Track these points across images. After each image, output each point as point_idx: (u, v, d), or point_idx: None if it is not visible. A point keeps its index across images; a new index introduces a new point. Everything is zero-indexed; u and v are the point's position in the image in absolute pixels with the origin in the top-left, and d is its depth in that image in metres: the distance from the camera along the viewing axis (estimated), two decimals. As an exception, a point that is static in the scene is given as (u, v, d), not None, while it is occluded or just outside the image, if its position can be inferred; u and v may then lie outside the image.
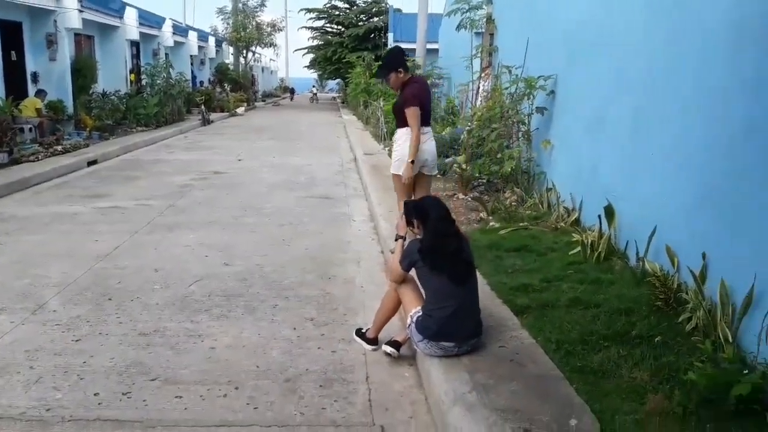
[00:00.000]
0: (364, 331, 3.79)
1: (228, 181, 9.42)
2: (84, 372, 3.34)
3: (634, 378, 3.13)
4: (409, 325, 3.41)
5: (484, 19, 11.87)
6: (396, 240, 3.79)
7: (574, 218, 5.88)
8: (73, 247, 5.71)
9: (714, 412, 2.77)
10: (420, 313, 3.37)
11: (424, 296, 3.48)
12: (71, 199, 7.99)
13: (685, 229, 4.09)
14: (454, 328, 3.26)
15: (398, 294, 3.59)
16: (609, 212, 4.99)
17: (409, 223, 3.70)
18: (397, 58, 5.26)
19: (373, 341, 3.71)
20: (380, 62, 6.09)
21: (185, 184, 9.01)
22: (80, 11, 14.83)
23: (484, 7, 12.00)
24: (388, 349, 3.59)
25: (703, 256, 3.75)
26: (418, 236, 3.55)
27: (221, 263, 5.32)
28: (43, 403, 3.02)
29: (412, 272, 3.53)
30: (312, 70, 42.94)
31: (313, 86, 49.17)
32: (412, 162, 5.04)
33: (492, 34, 11.79)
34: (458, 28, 11.79)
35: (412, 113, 4.96)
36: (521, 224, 6.04)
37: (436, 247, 3.35)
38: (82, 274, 4.93)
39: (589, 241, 4.94)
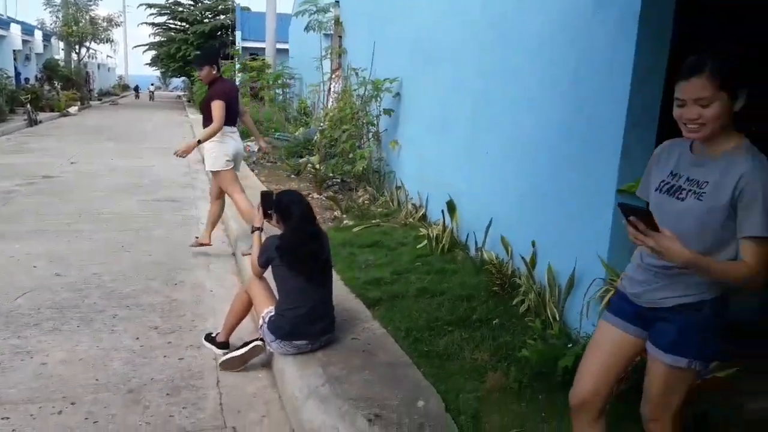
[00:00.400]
0: (214, 335, 3.68)
1: (60, 186, 8.63)
2: None
3: (475, 359, 3.36)
4: (261, 325, 3.36)
5: (332, 22, 12.05)
6: (252, 232, 3.72)
7: (421, 214, 6.16)
8: None
9: (545, 384, 3.05)
10: (272, 313, 3.34)
11: (275, 295, 3.46)
12: None
13: (516, 221, 4.44)
14: (307, 326, 3.28)
15: (249, 295, 3.53)
16: (451, 207, 5.29)
17: (266, 215, 3.63)
18: (215, 54, 5.79)
19: (224, 345, 3.61)
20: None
21: (9, 190, 8.12)
22: None
23: (331, 9, 12.18)
24: (207, 345, 3.59)
25: (533, 243, 4.11)
26: (278, 229, 3.51)
27: (52, 274, 4.88)
28: None
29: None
30: (154, 68, 40.64)
31: (152, 84, 47.05)
32: (199, 142, 5.23)
33: (341, 36, 11.98)
34: (306, 29, 11.86)
35: (217, 105, 5.13)
36: (373, 221, 6.21)
37: (296, 246, 3.32)
38: None
39: (435, 235, 5.21)
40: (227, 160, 5.32)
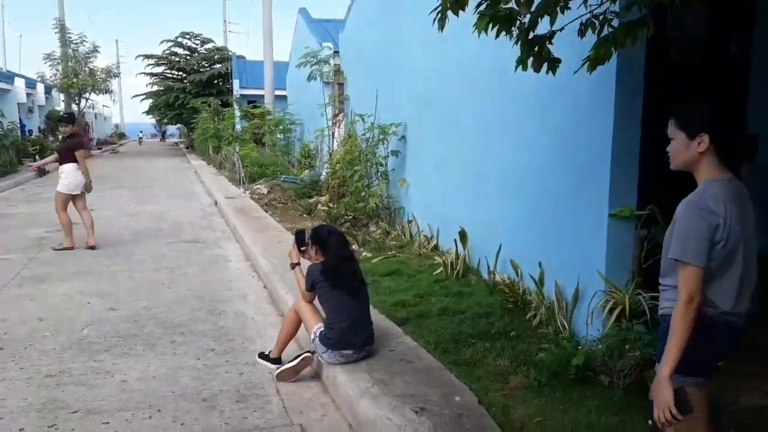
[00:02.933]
0: (267, 353, 4.20)
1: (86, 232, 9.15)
2: (0, 413, 3.40)
3: (498, 365, 3.88)
4: (313, 339, 3.90)
5: (332, 71, 12.84)
6: (292, 268, 4.28)
7: (433, 244, 6.74)
8: (-64, 307, 5.42)
9: (561, 381, 3.57)
10: (322, 328, 3.88)
11: (322, 314, 4.00)
12: None
13: (522, 245, 5.03)
14: (352, 337, 3.82)
15: (298, 315, 4.07)
16: (463, 236, 5.88)
17: (300, 250, 4.21)
18: (72, 119, 8.52)
19: (277, 360, 4.13)
20: None
21: (41, 237, 8.66)
22: None
23: (330, 60, 12.99)
24: (262, 362, 4.13)
25: (540, 264, 4.68)
26: (315, 261, 4.08)
27: (106, 308, 5.39)
28: (-33, 444, 3.08)
29: None
30: (151, 116, 41.59)
31: (141, 131, 56.42)
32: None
33: (341, 84, 12.74)
34: (309, 78, 12.62)
35: (82, 154, 7.99)
36: (389, 253, 6.78)
37: (337, 268, 3.90)
38: (-40, 330, 4.78)
39: (449, 262, 5.78)
40: (75, 187, 7.97)
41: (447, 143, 6.69)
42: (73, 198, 8.08)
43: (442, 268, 5.82)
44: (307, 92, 14.87)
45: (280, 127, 17.67)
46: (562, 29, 3.03)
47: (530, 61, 2.99)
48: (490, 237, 5.50)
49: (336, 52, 13.34)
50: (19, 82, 25.77)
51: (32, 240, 8.42)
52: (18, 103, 25.34)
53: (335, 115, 12.89)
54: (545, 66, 3.08)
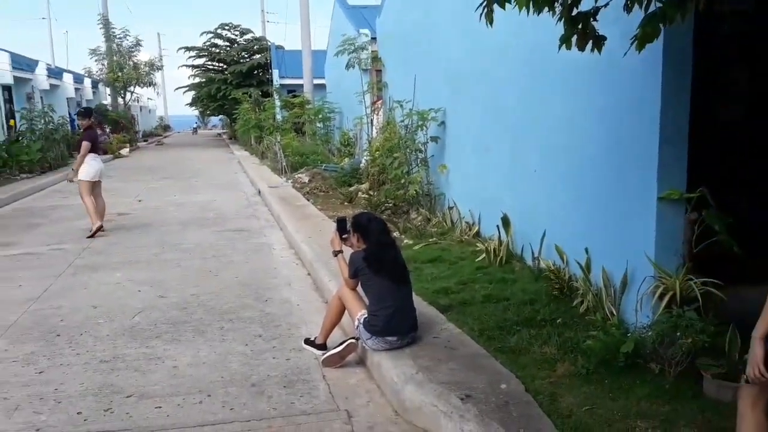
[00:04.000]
0: (312, 339, 4.26)
1: (136, 221, 9.45)
2: (59, 397, 3.55)
3: (544, 352, 3.83)
4: (357, 326, 3.93)
5: (370, 58, 12.81)
6: (335, 256, 4.31)
7: (475, 231, 6.69)
8: (-2, 294, 5.68)
9: (610, 369, 3.51)
10: (365, 315, 3.91)
11: (365, 300, 4.02)
12: (-27, 249, 7.74)
13: (567, 230, 4.95)
14: (396, 324, 3.83)
15: (342, 302, 4.11)
16: (506, 222, 5.81)
17: (341, 238, 4.24)
18: (87, 113, 9.05)
19: (322, 346, 4.18)
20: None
21: (93, 227, 8.91)
22: (-50, 57, 14.12)
23: (368, 47, 12.96)
24: (308, 347, 4.18)
25: (586, 250, 4.59)
26: (357, 248, 4.10)
27: (156, 296, 5.54)
28: (30, 425, 3.24)
29: None
30: (194, 108, 42.37)
31: (196, 123, 57.01)
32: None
33: (378, 71, 12.71)
34: (347, 67, 12.63)
35: (84, 146, 8.45)
36: (431, 240, 6.76)
37: (379, 254, 3.92)
38: (20, 317, 4.99)
39: (492, 248, 5.73)
40: (93, 175, 8.50)
41: (487, 127, 6.61)
42: (96, 184, 8.71)
43: (484, 255, 5.77)
44: (346, 80, 14.90)
45: (320, 116, 17.78)
46: (606, 5, 2.94)
47: (574, 39, 2.91)
48: (534, 223, 5.43)
49: (373, 39, 13.30)
50: (68, 78, 26.54)
51: (84, 231, 8.68)
52: (67, 98, 26.09)
53: (373, 103, 12.89)
54: (590, 44, 3.00)
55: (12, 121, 18.64)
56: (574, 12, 2.89)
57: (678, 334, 3.39)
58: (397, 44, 10.65)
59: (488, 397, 3.22)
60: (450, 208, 7.57)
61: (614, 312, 4.15)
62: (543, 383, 3.42)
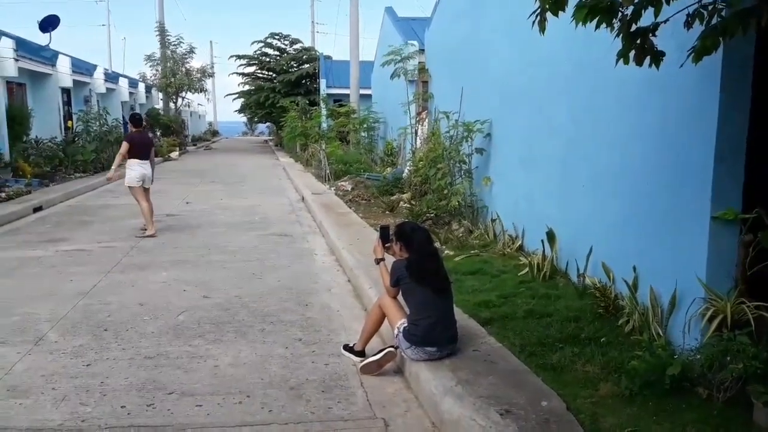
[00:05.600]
0: (351, 345, 4.27)
1: (184, 223, 9.69)
2: (104, 390, 3.66)
3: (587, 371, 3.74)
4: (397, 335, 3.92)
5: (416, 69, 12.85)
6: (377, 264, 4.32)
7: (518, 245, 6.61)
8: (51, 287, 5.90)
9: (655, 391, 3.41)
10: (405, 324, 3.90)
11: (405, 309, 4.01)
12: (30, 244, 8.07)
13: (615, 247, 4.84)
14: (436, 334, 3.81)
15: (382, 310, 4.11)
16: (551, 237, 5.72)
17: (384, 246, 4.25)
18: (133, 120, 9.32)
19: (361, 353, 4.18)
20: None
21: (142, 227, 9.17)
22: (15, 60, 14.78)
23: (415, 57, 13.00)
24: (346, 354, 4.19)
25: (634, 268, 4.48)
26: (399, 257, 4.10)
27: (200, 296, 5.66)
28: (76, 416, 3.34)
29: None
30: (242, 115, 43.26)
31: (245, 130, 62.58)
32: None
33: (425, 82, 12.74)
34: (392, 76, 12.72)
35: (122, 146, 8.79)
36: (472, 252, 6.71)
37: (422, 264, 3.91)
38: (70, 311, 5.17)
39: (535, 263, 5.65)
40: (137, 180, 8.69)
41: (534, 140, 6.54)
42: (143, 188, 8.90)
43: (527, 269, 5.69)
44: (392, 90, 14.98)
45: (364, 125, 17.91)
46: (666, 21, 2.88)
47: (632, 54, 2.86)
48: (580, 238, 5.33)
49: (421, 50, 13.35)
50: (123, 82, 27.43)
51: (134, 230, 8.96)
52: (121, 102, 26.96)
53: (418, 113, 12.91)
54: (647, 59, 2.94)
55: (69, 123, 19.38)
56: (633, 27, 2.84)
57: (728, 358, 3.27)
58: (445, 55, 10.66)
59: (528, 413, 3.17)
60: (493, 221, 7.50)
61: (661, 333, 4.03)
62: (585, 402, 3.34)
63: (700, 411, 3.19)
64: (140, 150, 8.79)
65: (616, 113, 4.84)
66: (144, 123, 9.52)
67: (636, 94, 4.51)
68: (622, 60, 2.94)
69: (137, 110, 30.77)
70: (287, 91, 31.24)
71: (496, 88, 7.72)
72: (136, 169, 8.73)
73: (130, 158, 8.74)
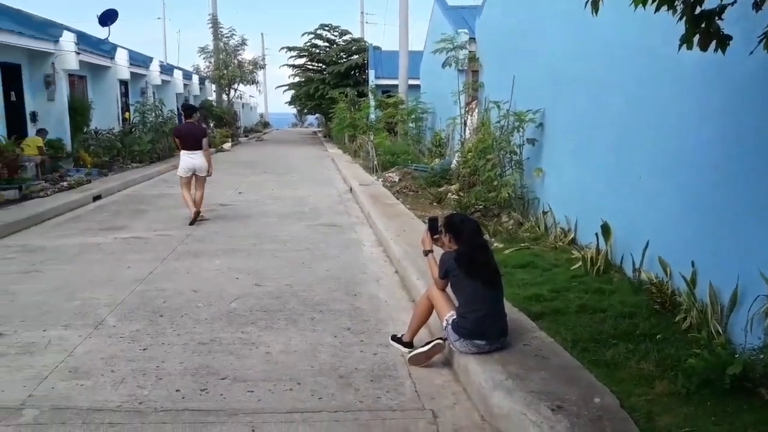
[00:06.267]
0: (399, 336, 4.27)
1: (236, 213, 9.89)
2: (160, 374, 3.77)
3: (641, 368, 3.63)
4: (445, 327, 3.89)
5: (467, 58, 12.69)
6: (425, 255, 4.30)
7: (570, 238, 6.47)
8: (110, 274, 6.12)
9: (713, 390, 3.28)
10: (454, 316, 3.87)
11: (454, 302, 3.98)
12: (91, 231, 8.39)
13: (673, 242, 4.68)
14: (486, 327, 3.76)
15: (431, 302, 4.09)
16: (606, 230, 5.58)
17: (433, 238, 4.22)
18: (192, 110, 9.67)
19: (409, 344, 4.17)
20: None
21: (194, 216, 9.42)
22: (77, 53, 15.32)
23: (467, 46, 12.84)
24: (394, 344, 4.19)
25: (692, 263, 4.33)
26: (448, 248, 4.06)
27: (253, 284, 5.77)
28: (134, 398, 3.45)
29: None
30: (292, 106, 43.76)
31: (295, 122, 64.11)
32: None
33: (475, 71, 12.57)
34: (444, 65, 12.57)
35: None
36: (522, 244, 6.61)
37: (471, 256, 3.87)
38: (127, 296, 5.35)
39: (589, 257, 5.52)
40: (183, 171, 9.08)
41: (589, 130, 6.37)
42: (196, 177, 9.17)
43: (580, 263, 5.56)
44: (440, 80, 14.84)
45: (413, 116, 17.83)
46: (733, 3, 2.75)
47: (696, 39, 2.73)
48: (636, 232, 5.18)
49: (472, 39, 13.18)
50: (178, 74, 28.13)
51: (188, 218, 9.18)
52: (176, 93, 27.66)
53: (468, 103, 12.76)
54: (712, 45, 2.81)
55: (127, 114, 20.01)
56: (697, 11, 2.72)
57: (795, 359, 3.13)
58: (496, 44, 10.50)
59: (580, 410, 3.10)
60: (544, 213, 7.37)
61: (720, 331, 3.89)
62: (639, 400, 3.25)
63: (763, 412, 3.06)
64: (187, 141, 9.04)
65: (676, 102, 4.67)
66: (195, 113, 9.68)
67: (698, 83, 4.33)
68: (685, 45, 2.81)
69: (191, 102, 31.63)
70: (336, 82, 31.43)
71: (549, 76, 7.55)
72: (184, 160, 9.07)
73: (180, 149, 9.12)
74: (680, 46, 2.86)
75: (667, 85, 4.78)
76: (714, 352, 3.58)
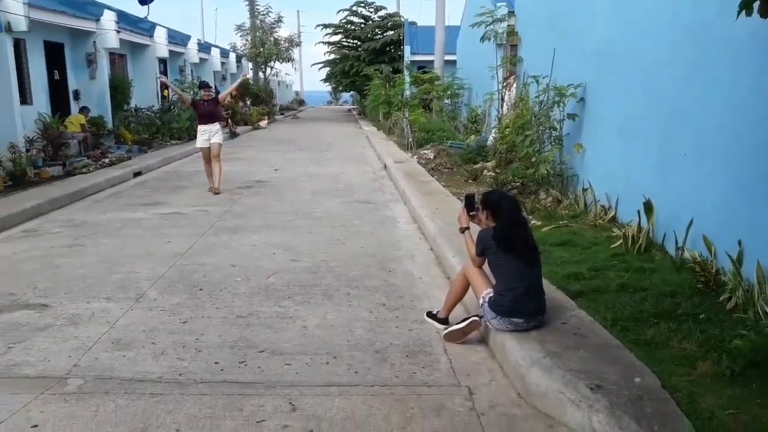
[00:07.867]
0: (434, 312, 4.25)
1: (272, 189, 9.98)
2: (200, 346, 3.84)
3: (684, 348, 3.54)
4: (482, 305, 3.86)
5: (506, 33, 12.42)
6: (462, 233, 4.25)
7: (611, 215, 6.33)
8: (150, 248, 6.24)
9: (760, 372, 3.18)
10: (491, 294, 3.82)
11: (491, 279, 3.93)
12: (132, 207, 8.57)
13: (719, 220, 4.53)
14: (524, 305, 3.71)
15: (467, 279, 4.05)
16: (648, 208, 5.43)
17: (469, 215, 4.16)
18: (205, 86, 10.37)
19: (445, 321, 4.16)
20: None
21: (234, 192, 9.55)
22: (117, 32, 15.54)
23: (506, 19, 12.56)
24: (429, 320, 4.19)
25: (739, 242, 4.18)
26: (485, 226, 4.01)
27: (289, 260, 5.81)
28: (174, 369, 3.53)
29: None
30: (327, 84, 43.74)
31: (329, 99, 64.13)
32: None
33: (514, 46, 12.31)
34: (482, 39, 12.33)
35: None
36: (561, 222, 6.49)
37: (509, 233, 3.80)
38: (168, 270, 5.45)
39: (630, 235, 5.38)
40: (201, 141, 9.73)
41: (634, 106, 6.18)
42: (211, 146, 9.71)
43: (621, 241, 5.44)
44: (477, 55, 14.59)
45: (448, 92, 17.61)
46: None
47: (756, 5, 2.59)
48: (679, 210, 5.02)
49: (511, 12, 12.89)
50: (215, 52, 28.36)
51: (226, 195, 9.31)
52: (213, 71, 27.92)
53: (506, 78, 12.52)
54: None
55: (166, 92, 20.27)
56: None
57: None
58: (537, 17, 10.22)
59: (620, 389, 3.04)
60: (584, 190, 7.21)
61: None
62: (681, 381, 3.17)
63: (812, 397, 2.96)
64: (200, 115, 9.79)
65: (728, 79, 4.48)
66: (209, 88, 10.31)
67: (752, 59, 4.14)
68: (744, 12, 2.67)
69: (228, 80, 31.86)
70: (371, 59, 31.25)
71: (593, 51, 7.32)
72: (200, 134, 9.77)
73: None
74: (738, 13, 2.71)
75: (719, 62, 4.58)
76: (762, 333, 3.47)
